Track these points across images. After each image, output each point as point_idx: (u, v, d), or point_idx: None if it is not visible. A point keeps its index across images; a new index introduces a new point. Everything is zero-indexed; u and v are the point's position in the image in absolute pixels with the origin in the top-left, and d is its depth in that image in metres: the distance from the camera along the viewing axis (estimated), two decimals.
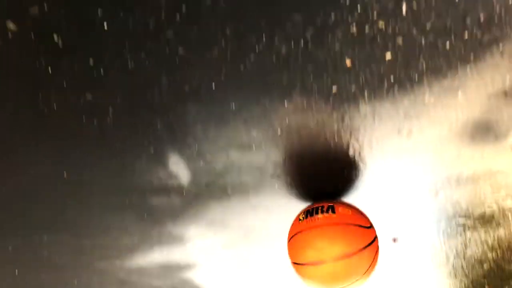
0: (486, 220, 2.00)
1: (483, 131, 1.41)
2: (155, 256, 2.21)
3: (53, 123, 1.25)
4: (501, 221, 2.01)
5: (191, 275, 2.47)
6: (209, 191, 1.67)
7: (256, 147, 1.42)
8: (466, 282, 2.84)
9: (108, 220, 1.82)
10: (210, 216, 1.85)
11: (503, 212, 1.91)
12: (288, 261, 2.27)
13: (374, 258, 1.49)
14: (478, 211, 1.91)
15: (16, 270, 2.30)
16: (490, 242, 2.24)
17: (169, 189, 1.61)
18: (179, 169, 1.49)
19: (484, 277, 2.77)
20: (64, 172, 1.48)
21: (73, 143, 1.34)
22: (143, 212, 1.79)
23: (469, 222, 2.01)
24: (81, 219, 1.80)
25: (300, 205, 1.80)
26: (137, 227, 1.91)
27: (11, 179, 1.51)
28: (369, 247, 1.45)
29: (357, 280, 1.47)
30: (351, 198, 1.72)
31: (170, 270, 2.38)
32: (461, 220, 1.99)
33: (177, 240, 2.04)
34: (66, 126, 1.27)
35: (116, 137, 1.33)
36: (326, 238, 1.42)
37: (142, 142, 1.36)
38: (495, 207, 1.88)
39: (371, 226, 1.51)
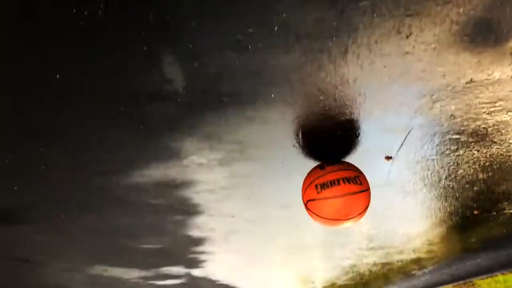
0: (480, 137, 2.01)
1: (483, 32, 1.38)
2: (152, 173, 2.24)
3: (42, 14, 1.21)
4: (495, 138, 2.03)
5: (188, 193, 2.52)
6: (204, 99, 1.65)
7: (252, 48, 1.39)
8: (456, 205, 2.92)
9: (103, 130, 1.82)
10: (206, 128, 1.85)
11: (498, 126, 1.92)
12: (284, 177, 2.31)
13: (366, 203, 1.91)
14: (472, 126, 1.92)
15: (15, 187, 2.34)
16: (482, 162, 2.28)
17: (164, 95, 1.59)
18: (173, 71, 1.46)
19: (474, 200, 2.84)
20: (57, 74, 1.46)
21: (63, 39, 1.31)
22: (138, 123, 1.78)
23: (463, 138, 2.02)
24: (76, 129, 1.79)
25: (296, 118, 1.80)
26: (133, 139, 1.91)
27: None
28: (363, 192, 1.88)
29: (352, 218, 1.92)
30: (345, 105, 1.72)
31: (168, 187, 2.42)
32: (455, 136, 2.01)
33: (173, 155, 2.05)
34: (56, 18, 1.23)
35: (108, 32, 1.29)
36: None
37: (135, 38, 1.32)
38: (490, 121, 1.88)
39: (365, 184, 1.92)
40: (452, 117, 1.84)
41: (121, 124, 1.78)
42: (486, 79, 1.61)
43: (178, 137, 1.91)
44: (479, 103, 1.75)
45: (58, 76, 1.45)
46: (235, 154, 2.09)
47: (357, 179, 1.86)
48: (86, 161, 2.08)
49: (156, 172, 2.23)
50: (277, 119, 1.80)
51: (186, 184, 2.39)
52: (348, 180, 1.83)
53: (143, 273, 4.67)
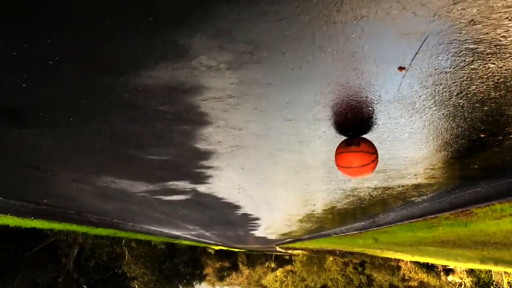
0: (499, 48, 1.95)
1: None
2: (161, 74, 2.21)
3: None
4: None
5: (196, 100, 2.51)
6: None
7: None
8: (463, 126, 2.90)
9: (111, 23, 1.77)
10: (216, 24, 1.80)
11: None
12: (294, 86, 2.29)
13: (374, 168, 2.85)
14: (492, 34, 1.85)
15: (24, 84, 2.33)
16: (496, 77, 2.23)
17: None
18: None
19: (482, 122, 2.83)
20: None
21: None
22: (147, 14, 1.73)
23: (480, 48, 1.96)
24: (84, 21, 1.75)
25: (310, 16, 1.74)
26: (141, 34, 1.87)
27: None
28: (373, 162, 2.81)
29: (364, 176, 2.94)
30: (363, 2, 1.65)
31: (176, 92, 2.41)
32: (472, 46, 1.95)
33: (182, 54, 2.02)
34: None
35: None
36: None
37: None
38: None
39: (375, 152, 2.84)
40: (471, 22, 1.77)
41: (130, 15, 1.73)
42: None
43: (187, 33, 1.86)
44: (503, 6, 1.67)
45: None
46: (245, 56, 2.05)
47: (370, 154, 2.76)
48: (94, 57, 2.05)
49: (164, 74, 2.21)
50: (292, 15, 1.74)
51: (194, 89, 2.38)
52: (364, 154, 2.74)
53: (150, 187, 4.82)
